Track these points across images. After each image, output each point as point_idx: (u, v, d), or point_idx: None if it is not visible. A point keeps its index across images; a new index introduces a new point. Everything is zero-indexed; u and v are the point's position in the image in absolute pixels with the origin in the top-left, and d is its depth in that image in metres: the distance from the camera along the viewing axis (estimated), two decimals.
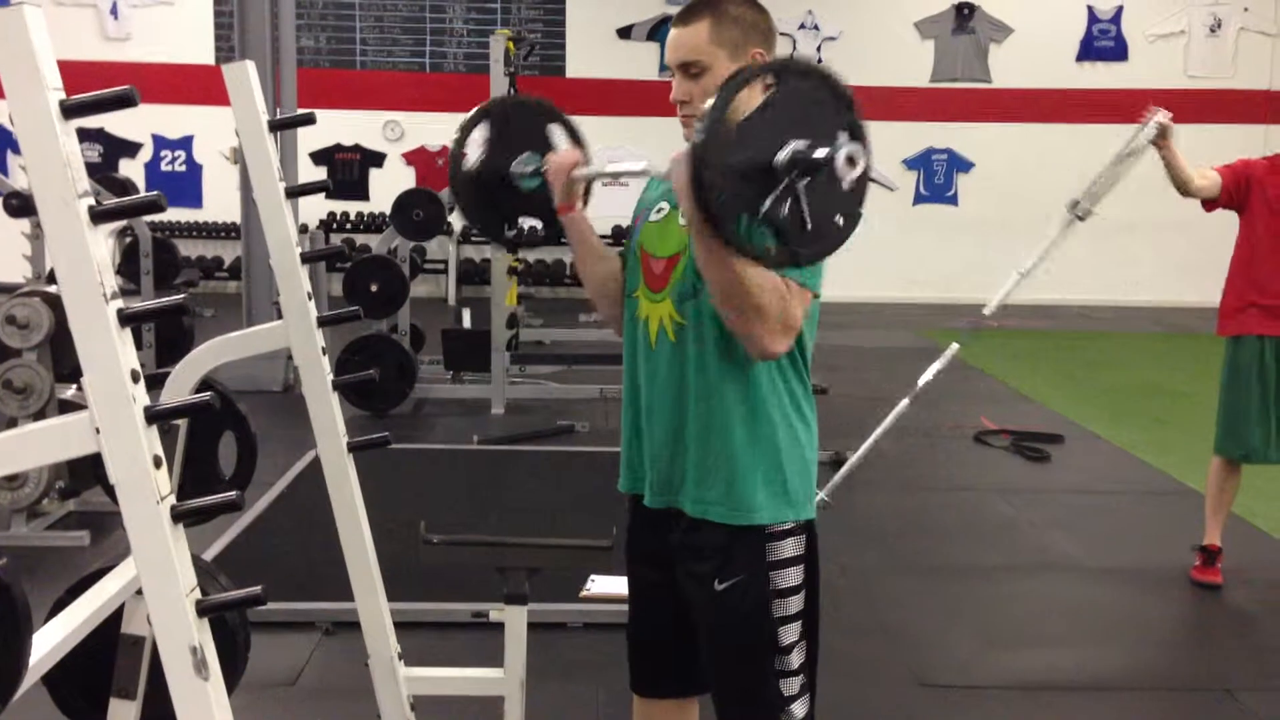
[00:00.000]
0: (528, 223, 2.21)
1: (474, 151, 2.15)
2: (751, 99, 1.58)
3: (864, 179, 1.60)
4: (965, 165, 11.80)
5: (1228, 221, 4.07)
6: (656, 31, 11.63)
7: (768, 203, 1.55)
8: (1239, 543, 4.57)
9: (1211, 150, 11.99)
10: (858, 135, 1.58)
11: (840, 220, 1.60)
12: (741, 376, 1.87)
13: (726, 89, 1.55)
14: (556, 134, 2.18)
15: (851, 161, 1.55)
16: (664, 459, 1.95)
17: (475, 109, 2.18)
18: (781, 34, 11.40)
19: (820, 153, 1.53)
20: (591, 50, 11.70)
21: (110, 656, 2.28)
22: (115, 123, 11.38)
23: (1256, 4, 11.75)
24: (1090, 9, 11.79)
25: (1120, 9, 11.76)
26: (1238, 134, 11.85)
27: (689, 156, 1.56)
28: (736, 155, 1.54)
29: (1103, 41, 11.83)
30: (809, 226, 1.57)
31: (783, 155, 1.54)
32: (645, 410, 1.97)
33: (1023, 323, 10.52)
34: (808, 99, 1.58)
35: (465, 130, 2.16)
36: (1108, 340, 9.78)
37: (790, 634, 1.92)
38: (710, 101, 1.55)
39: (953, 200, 11.81)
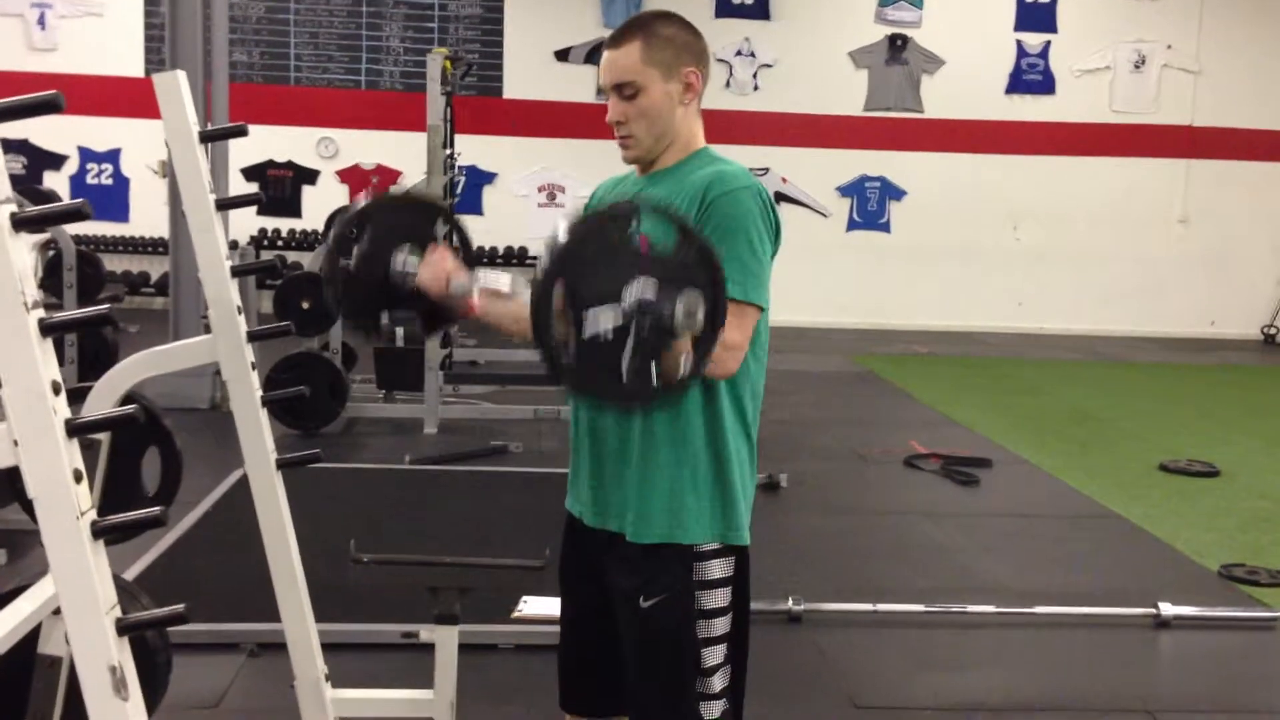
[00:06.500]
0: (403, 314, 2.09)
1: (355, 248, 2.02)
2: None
3: (706, 345, 1.60)
4: (898, 193, 11.97)
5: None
6: (594, 55, 11.67)
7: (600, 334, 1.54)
8: (1163, 565, 4.67)
9: (1134, 182, 12.36)
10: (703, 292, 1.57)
11: (664, 374, 1.59)
12: None
13: (576, 233, 1.55)
14: (440, 231, 2.07)
15: (690, 315, 1.54)
16: (602, 479, 1.95)
17: (355, 210, 2.05)
18: (718, 60, 11.56)
19: (665, 308, 1.53)
20: (529, 72, 11.71)
21: (26, 678, 2.22)
22: (40, 134, 11.13)
23: (1179, 42, 12.09)
24: (1019, 43, 12.05)
25: (1048, 44, 12.03)
26: (1160, 167, 12.19)
27: (533, 285, 1.56)
28: (583, 289, 1.54)
29: (1031, 75, 12.09)
30: (635, 366, 1.57)
31: (628, 299, 1.54)
32: (589, 431, 1.97)
33: (950, 349, 10.68)
34: (660, 244, 1.59)
35: (344, 229, 2.04)
36: (1033, 367, 9.94)
37: (714, 656, 1.92)
38: (558, 230, 1.56)
39: (885, 227, 11.97)
